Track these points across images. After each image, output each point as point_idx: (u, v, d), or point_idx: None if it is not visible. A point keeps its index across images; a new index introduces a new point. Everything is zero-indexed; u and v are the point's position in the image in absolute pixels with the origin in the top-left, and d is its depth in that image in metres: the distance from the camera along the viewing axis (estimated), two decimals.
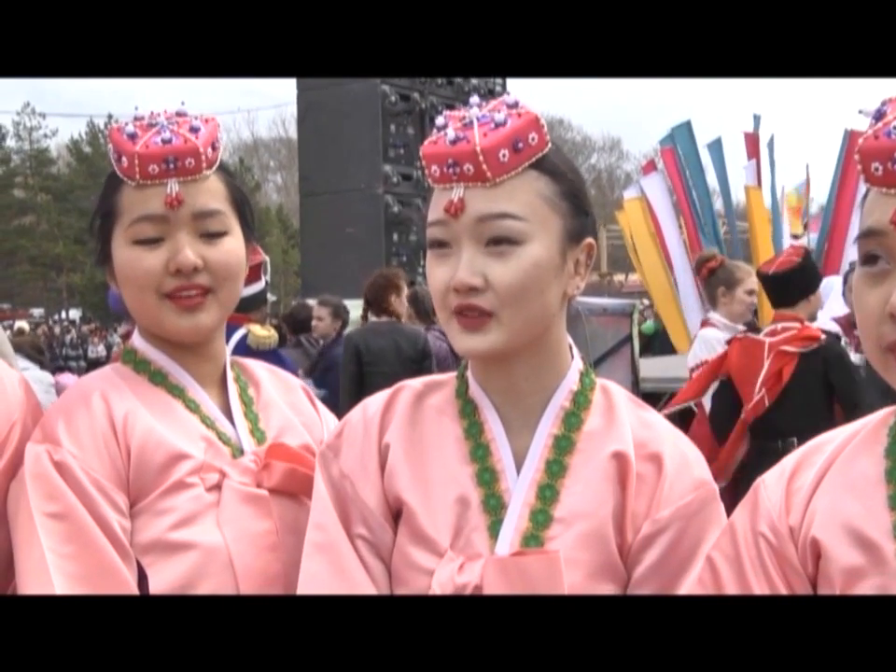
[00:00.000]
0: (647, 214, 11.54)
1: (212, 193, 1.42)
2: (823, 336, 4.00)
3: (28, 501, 1.29)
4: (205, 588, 1.31)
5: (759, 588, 1.09)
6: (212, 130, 1.43)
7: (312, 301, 7.07)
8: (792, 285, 4.05)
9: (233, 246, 1.44)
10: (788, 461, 1.15)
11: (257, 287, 4.95)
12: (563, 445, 1.25)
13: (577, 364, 1.31)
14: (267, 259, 5.07)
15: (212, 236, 1.41)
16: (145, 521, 1.33)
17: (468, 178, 1.19)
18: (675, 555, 1.21)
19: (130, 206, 1.39)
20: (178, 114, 1.42)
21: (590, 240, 1.27)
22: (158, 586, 1.30)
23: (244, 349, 4.76)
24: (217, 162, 1.43)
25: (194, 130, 1.40)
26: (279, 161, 48.81)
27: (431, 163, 1.22)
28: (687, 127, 11.76)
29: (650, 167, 12.61)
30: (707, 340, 4.60)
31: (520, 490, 1.23)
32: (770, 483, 1.13)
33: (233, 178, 1.48)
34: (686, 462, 1.26)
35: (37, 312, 38.07)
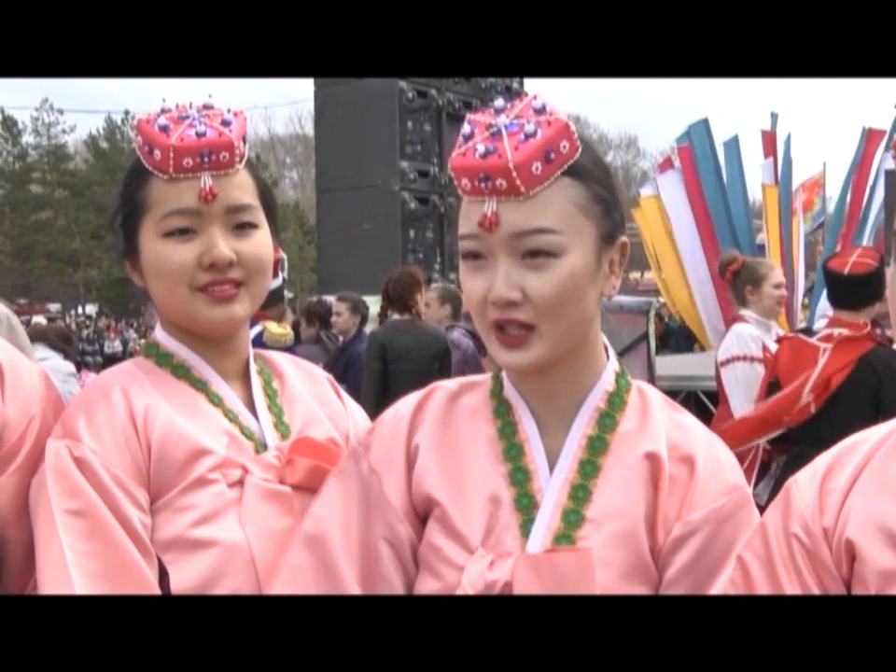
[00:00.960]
0: (664, 212, 11.51)
1: (243, 187, 1.41)
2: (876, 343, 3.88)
3: (48, 497, 1.28)
4: (227, 586, 1.30)
5: (791, 589, 1.08)
6: (242, 123, 1.42)
7: (329, 298, 7.08)
8: (866, 288, 3.90)
9: (263, 240, 1.44)
10: (821, 461, 1.13)
11: (274, 283, 4.97)
12: (597, 446, 1.25)
13: (612, 365, 1.31)
14: (284, 256, 5.10)
15: (244, 230, 1.41)
16: (166, 517, 1.32)
17: (500, 192, 1.17)
18: (706, 558, 1.19)
19: (161, 200, 1.38)
20: (206, 106, 1.41)
21: (623, 238, 1.27)
22: (179, 584, 1.29)
23: (259, 346, 4.77)
24: (246, 156, 1.42)
25: (226, 123, 1.39)
26: (295, 157, 48.85)
27: (462, 176, 1.20)
28: (704, 125, 11.71)
29: (666, 165, 12.56)
30: (740, 335, 4.50)
31: (552, 490, 1.23)
32: (803, 483, 1.12)
33: (258, 172, 1.48)
34: (719, 466, 1.25)
35: (54, 307, 38.24)
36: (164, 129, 1.37)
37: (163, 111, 1.40)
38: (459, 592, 1.18)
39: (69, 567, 1.23)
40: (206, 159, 1.36)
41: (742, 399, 4.36)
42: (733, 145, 11.85)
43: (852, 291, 3.95)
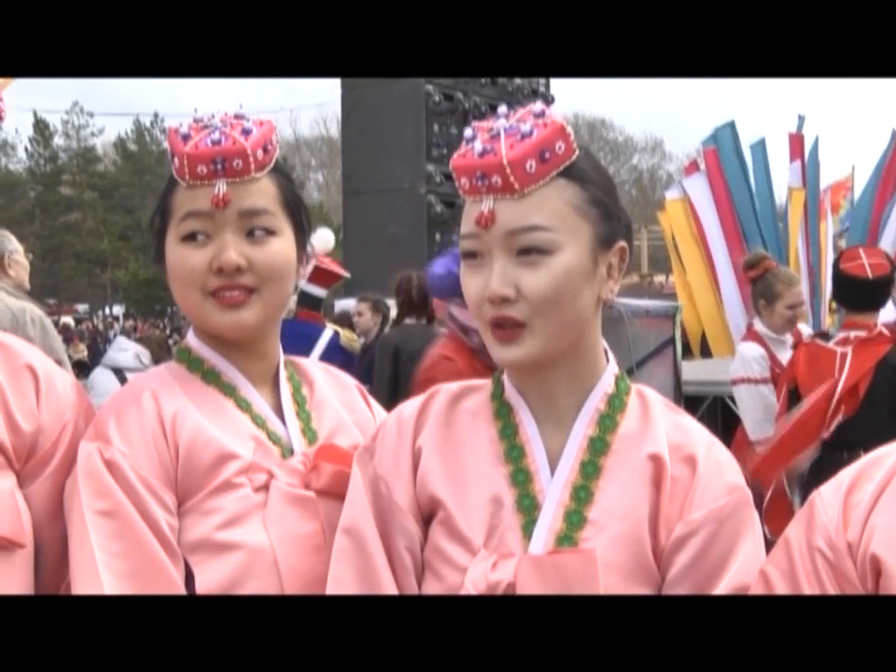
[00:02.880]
0: (689, 215, 11.46)
1: (261, 194, 1.42)
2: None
3: (80, 498, 1.31)
4: (250, 589, 1.32)
5: None
6: (265, 132, 1.43)
7: (344, 302, 7.12)
8: (885, 289, 3.91)
9: (281, 247, 1.44)
10: (845, 475, 1.13)
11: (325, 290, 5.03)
12: (598, 447, 1.26)
13: (612, 368, 1.33)
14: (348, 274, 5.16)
15: (259, 236, 1.41)
16: (192, 520, 1.35)
17: (496, 190, 1.21)
18: (707, 558, 1.20)
19: (180, 205, 1.41)
20: (236, 116, 1.43)
21: (622, 243, 1.28)
22: (204, 585, 1.31)
23: (337, 349, 4.80)
24: (271, 164, 1.43)
25: (246, 132, 1.40)
26: (320, 159, 48.97)
27: (461, 176, 1.24)
28: (731, 128, 11.64)
29: (692, 168, 12.49)
30: (744, 357, 4.43)
31: (554, 491, 1.24)
32: (826, 496, 1.12)
33: (289, 181, 1.48)
34: (719, 466, 1.26)
35: (82, 307, 38.53)
36: (185, 137, 1.40)
37: (194, 120, 1.42)
38: (462, 593, 1.19)
39: (98, 567, 1.26)
40: (220, 166, 1.38)
41: (750, 421, 4.31)
42: (759, 147, 11.76)
43: (874, 293, 3.93)
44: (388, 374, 5.29)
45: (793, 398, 4.01)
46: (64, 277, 40.24)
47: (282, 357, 1.53)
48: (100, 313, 39.31)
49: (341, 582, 1.26)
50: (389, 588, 1.25)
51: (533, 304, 1.21)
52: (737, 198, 11.36)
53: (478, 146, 1.22)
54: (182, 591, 1.30)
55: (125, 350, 4.90)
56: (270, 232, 1.43)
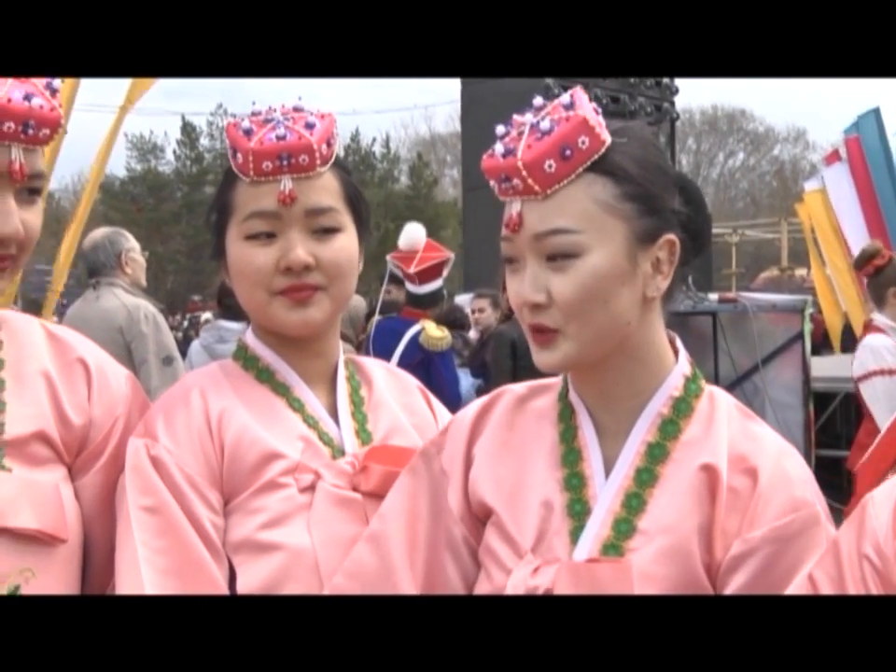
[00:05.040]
0: (829, 206, 11.02)
1: (326, 190, 1.40)
2: None
3: (127, 494, 1.32)
4: (289, 591, 1.30)
5: None
6: (328, 125, 1.41)
7: (463, 297, 7.09)
8: None
9: (346, 244, 1.42)
10: None
11: (435, 284, 5.01)
12: (656, 454, 1.20)
13: (682, 369, 1.25)
14: (451, 256, 5.13)
15: (324, 234, 1.40)
16: (237, 519, 1.34)
17: (520, 192, 1.16)
18: (766, 581, 1.11)
19: (244, 202, 1.39)
20: (296, 109, 1.41)
21: (669, 236, 1.20)
22: (244, 586, 1.30)
23: (415, 347, 4.81)
24: (332, 159, 1.42)
25: (309, 126, 1.38)
26: (455, 155, 49.15)
27: (490, 178, 1.20)
28: (875, 115, 11.14)
29: (833, 157, 12.02)
30: (873, 348, 4.26)
31: (605, 497, 1.19)
32: (879, 500, 1.05)
33: (349, 174, 1.46)
34: (787, 479, 1.16)
35: None
36: (247, 132, 1.38)
37: (253, 114, 1.41)
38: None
39: (139, 562, 1.26)
40: (286, 162, 1.36)
41: (886, 413, 4.04)
42: None
43: None
44: (508, 369, 5.26)
45: None
46: (207, 275, 41.73)
47: (342, 357, 1.51)
48: None
49: (358, 564, 1.28)
50: (405, 582, 1.25)
51: (563, 310, 1.17)
52: (881, 188, 10.86)
53: (499, 147, 1.18)
54: (223, 590, 1.29)
55: (227, 342, 4.81)
56: (335, 230, 1.41)
